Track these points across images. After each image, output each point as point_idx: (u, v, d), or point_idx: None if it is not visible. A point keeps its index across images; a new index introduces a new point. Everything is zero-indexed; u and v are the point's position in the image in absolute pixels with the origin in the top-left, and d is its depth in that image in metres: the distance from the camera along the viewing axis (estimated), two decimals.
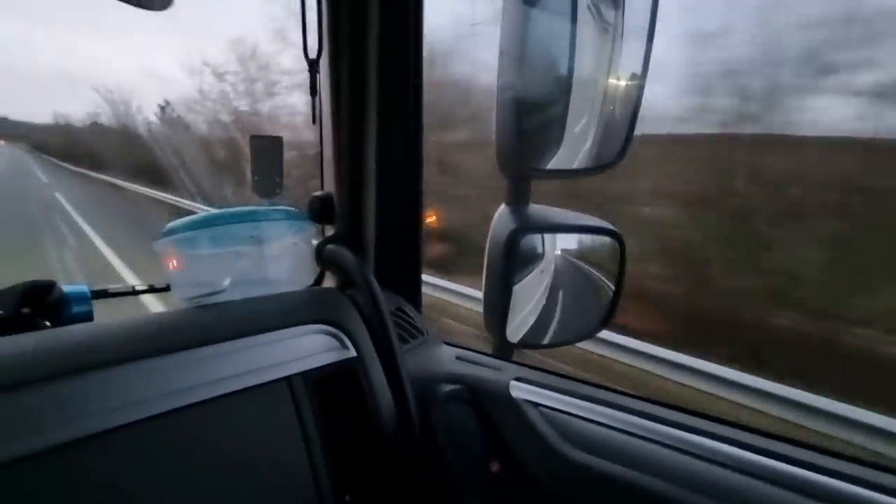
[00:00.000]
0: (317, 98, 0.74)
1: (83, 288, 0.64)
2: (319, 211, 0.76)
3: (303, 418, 0.63)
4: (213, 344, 0.60)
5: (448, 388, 0.66)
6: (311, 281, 0.76)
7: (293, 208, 0.74)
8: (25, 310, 0.56)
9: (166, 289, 0.69)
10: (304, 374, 0.65)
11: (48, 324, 0.58)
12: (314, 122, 0.76)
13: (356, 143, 0.75)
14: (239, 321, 0.64)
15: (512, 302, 0.69)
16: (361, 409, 0.65)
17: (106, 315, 0.66)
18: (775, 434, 0.52)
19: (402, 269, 0.80)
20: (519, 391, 0.64)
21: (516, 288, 0.70)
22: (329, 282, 0.79)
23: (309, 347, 0.67)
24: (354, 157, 0.75)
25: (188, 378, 0.56)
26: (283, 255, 0.72)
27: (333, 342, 0.68)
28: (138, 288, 0.73)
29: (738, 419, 0.56)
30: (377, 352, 0.67)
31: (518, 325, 0.72)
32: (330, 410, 0.64)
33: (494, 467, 0.63)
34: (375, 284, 0.68)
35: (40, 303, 0.57)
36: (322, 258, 0.75)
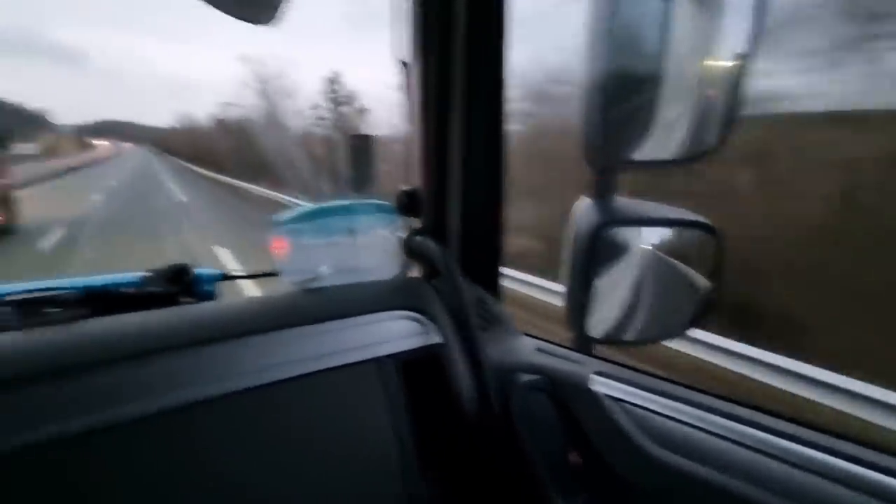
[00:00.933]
0: (407, 97, 0.78)
1: (212, 271, 0.75)
2: (407, 205, 0.81)
3: (390, 397, 0.68)
4: (313, 324, 0.67)
5: (528, 377, 0.68)
6: (399, 270, 0.82)
7: (384, 202, 0.80)
8: (171, 288, 0.69)
9: (276, 274, 0.77)
10: (392, 357, 0.70)
11: (187, 300, 0.70)
12: (405, 120, 0.81)
13: (441, 140, 0.79)
14: (335, 304, 0.71)
15: (595, 296, 0.68)
16: (445, 392, 0.69)
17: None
18: (873, 443, 0.47)
19: (483, 261, 0.82)
20: (599, 385, 0.64)
21: (600, 282, 0.69)
22: (415, 272, 0.84)
23: (396, 332, 0.72)
24: (440, 154, 0.79)
25: (291, 353, 0.64)
26: (374, 246, 0.78)
27: (419, 328, 0.73)
28: (257, 273, 0.83)
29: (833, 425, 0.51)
30: (460, 339, 0.71)
31: (600, 321, 0.71)
32: (415, 392, 0.69)
33: (573, 458, 0.64)
34: (459, 274, 0.72)
35: (180, 282, 0.67)
36: (409, 249, 0.80)
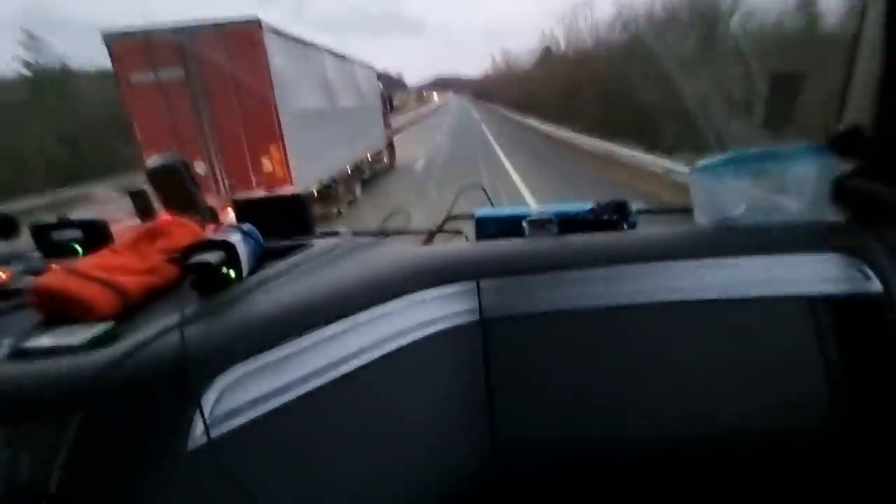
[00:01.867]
0: (860, 20, 0.66)
1: (639, 205, 0.90)
2: (844, 144, 0.71)
3: (815, 336, 0.69)
4: (727, 256, 0.72)
5: None
6: (830, 213, 0.78)
7: (811, 143, 0.73)
8: (612, 216, 0.86)
9: (690, 210, 0.84)
10: (820, 298, 0.69)
11: (625, 226, 0.87)
12: (853, 49, 0.69)
13: None
14: (753, 241, 0.73)
15: None
16: (888, 343, 0.66)
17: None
18: None
19: None
20: None
21: None
22: (846, 216, 0.78)
23: (825, 274, 0.70)
24: None
25: (701, 278, 0.71)
26: (797, 188, 0.75)
27: (854, 274, 0.69)
28: (673, 208, 0.96)
29: None
30: None
31: None
32: (850, 337, 0.68)
33: None
34: None
35: (619, 212, 0.87)
36: (843, 192, 0.72)
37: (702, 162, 0.82)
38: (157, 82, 5.73)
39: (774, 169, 0.77)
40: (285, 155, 6.03)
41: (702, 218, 0.83)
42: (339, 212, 7.44)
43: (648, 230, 0.84)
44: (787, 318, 0.71)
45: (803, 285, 0.70)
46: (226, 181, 6.02)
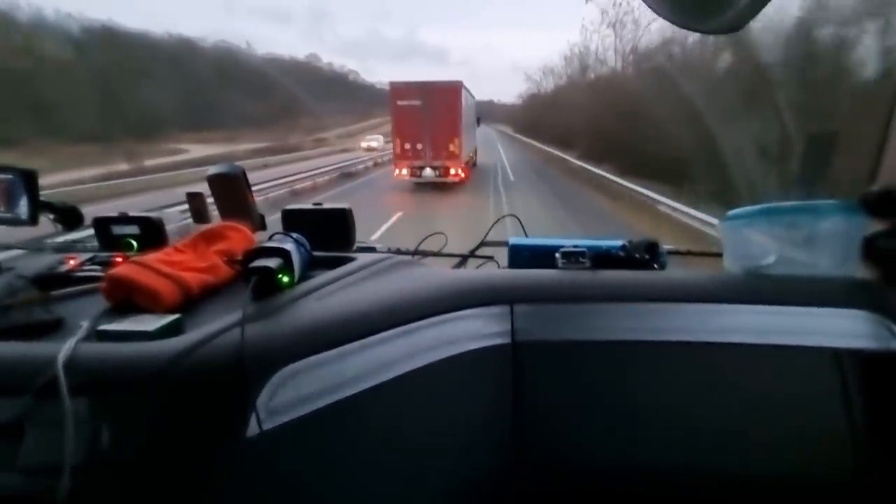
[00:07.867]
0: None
1: (668, 247, 0.66)
2: (875, 204, 0.47)
3: (847, 390, 0.42)
4: (753, 304, 0.47)
5: None
6: (859, 271, 0.51)
7: (844, 201, 0.52)
8: (643, 255, 0.60)
9: (720, 255, 0.61)
10: (846, 352, 0.44)
11: (655, 266, 0.61)
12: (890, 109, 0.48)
13: None
14: (780, 291, 0.49)
15: None
16: None
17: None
18: None
19: None
20: None
21: None
22: (878, 275, 0.52)
23: (852, 330, 0.45)
24: None
25: (728, 323, 0.46)
26: (828, 244, 0.51)
27: (882, 332, 0.44)
28: (703, 252, 0.69)
29: None
30: None
31: None
32: (876, 393, 0.42)
33: None
34: None
35: (651, 252, 0.61)
36: (874, 251, 0.50)
37: (735, 210, 0.60)
38: (408, 106, 8.35)
39: (806, 223, 0.53)
40: (459, 144, 8.29)
41: (731, 265, 0.59)
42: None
43: (678, 272, 0.59)
44: (811, 368, 0.45)
45: (830, 338, 0.45)
46: (430, 153, 8.63)
